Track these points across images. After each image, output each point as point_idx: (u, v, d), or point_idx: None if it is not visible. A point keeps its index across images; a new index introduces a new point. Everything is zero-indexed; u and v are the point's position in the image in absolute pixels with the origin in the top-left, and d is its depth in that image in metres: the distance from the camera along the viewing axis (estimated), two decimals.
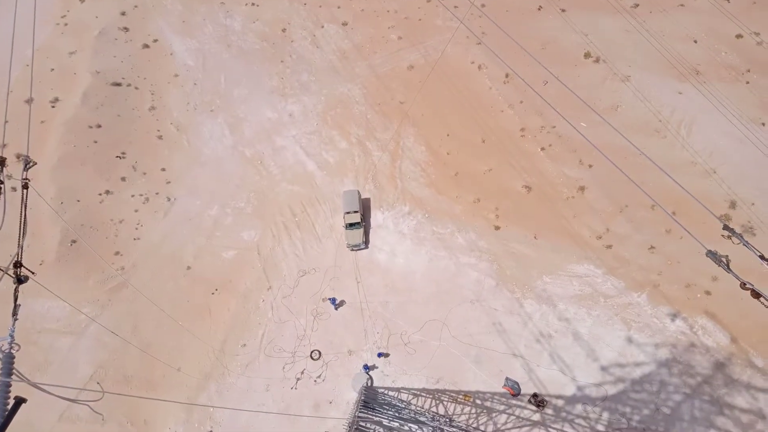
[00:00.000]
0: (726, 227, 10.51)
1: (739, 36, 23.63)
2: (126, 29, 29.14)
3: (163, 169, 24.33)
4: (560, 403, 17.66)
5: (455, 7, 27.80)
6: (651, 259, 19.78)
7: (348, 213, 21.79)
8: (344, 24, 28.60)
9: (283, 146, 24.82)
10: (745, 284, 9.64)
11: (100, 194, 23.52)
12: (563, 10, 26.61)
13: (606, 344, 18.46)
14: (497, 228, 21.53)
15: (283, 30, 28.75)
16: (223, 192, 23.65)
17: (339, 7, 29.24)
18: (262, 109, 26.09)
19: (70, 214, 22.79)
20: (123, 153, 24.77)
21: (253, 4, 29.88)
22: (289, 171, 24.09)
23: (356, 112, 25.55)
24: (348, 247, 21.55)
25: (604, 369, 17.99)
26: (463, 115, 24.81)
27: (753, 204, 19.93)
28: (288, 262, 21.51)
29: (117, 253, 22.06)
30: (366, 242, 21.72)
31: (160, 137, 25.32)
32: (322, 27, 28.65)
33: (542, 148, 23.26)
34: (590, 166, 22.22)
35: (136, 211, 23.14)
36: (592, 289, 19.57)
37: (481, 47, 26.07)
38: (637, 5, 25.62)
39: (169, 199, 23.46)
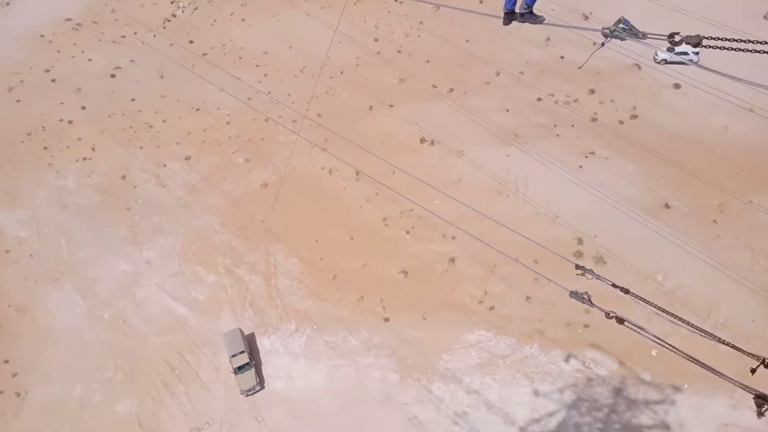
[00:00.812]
0: (577, 266, 11.37)
1: (539, 99, 27.17)
2: None
3: (7, 362, 21.18)
4: None
5: (293, 121, 28.97)
6: (530, 309, 20.88)
7: (234, 356, 20.10)
8: (187, 158, 28.33)
9: (146, 297, 23.04)
10: (609, 314, 10.35)
11: None
12: (391, 106, 28.93)
13: (517, 404, 18.65)
14: (386, 320, 21.49)
15: (123, 177, 27.67)
16: (85, 366, 21.02)
17: (178, 143, 29.03)
18: (115, 263, 24.28)
19: None
20: None
21: (84, 158, 28.58)
22: (158, 322, 22.25)
23: (218, 242, 24.79)
24: (242, 393, 19.68)
25: (522, 430, 18.04)
26: (326, 218, 25.20)
27: (596, 236, 22.21)
28: (177, 424, 19.27)
29: None
30: (260, 382, 20.09)
31: None
32: (165, 166, 28.08)
33: (407, 232, 24.22)
34: (453, 237, 23.41)
35: None
36: (489, 354, 19.98)
37: (327, 152, 27.22)
38: (452, 90, 28.65)
39: (18, 395, 20.25)
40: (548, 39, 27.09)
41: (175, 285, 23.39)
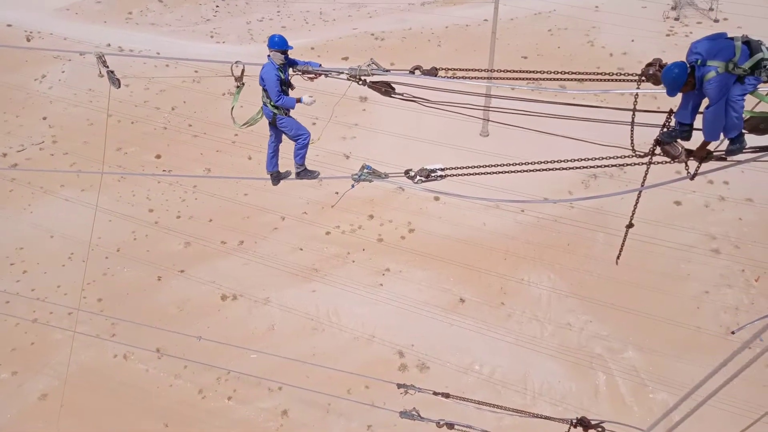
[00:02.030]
0: (399, 385, 11.64)
1: (327, 233, 28.82)
2: None
3: None
4: None
5: (69, 314, 25.52)
6: None
7: None
8: None
9: None
10: (438, 423, 10.65)
11: None
12: (182, 271, 27.66)
13: None
14: None
15: None
16: None
17: None
18: None
19: None
20: None
21: None
22: None
23: None
24: None
25: None
26: (131, 412, 21.90)
27: (413, 345, 23.29)
28: None
29: None
30: None
31: None
32: None
33: (229, 398, 22.30)
34: (280, 388, 22.24)
35: None
36: None
37: (118, 337, 24.35)
38: (242, 242, 28.78)
39: None
40: (320, 180, 29.49)
41: None
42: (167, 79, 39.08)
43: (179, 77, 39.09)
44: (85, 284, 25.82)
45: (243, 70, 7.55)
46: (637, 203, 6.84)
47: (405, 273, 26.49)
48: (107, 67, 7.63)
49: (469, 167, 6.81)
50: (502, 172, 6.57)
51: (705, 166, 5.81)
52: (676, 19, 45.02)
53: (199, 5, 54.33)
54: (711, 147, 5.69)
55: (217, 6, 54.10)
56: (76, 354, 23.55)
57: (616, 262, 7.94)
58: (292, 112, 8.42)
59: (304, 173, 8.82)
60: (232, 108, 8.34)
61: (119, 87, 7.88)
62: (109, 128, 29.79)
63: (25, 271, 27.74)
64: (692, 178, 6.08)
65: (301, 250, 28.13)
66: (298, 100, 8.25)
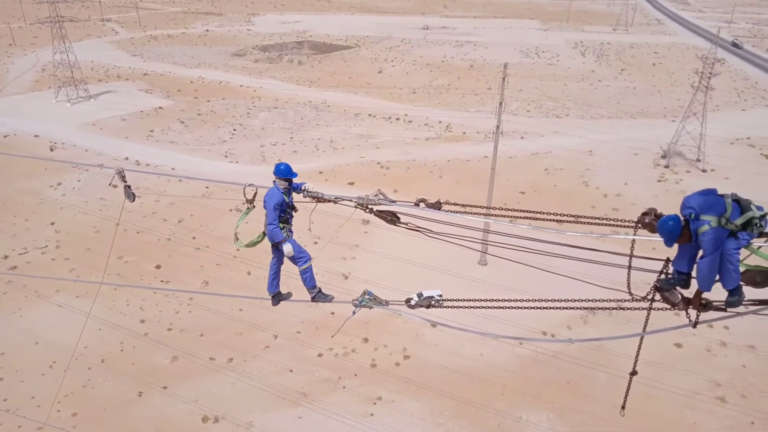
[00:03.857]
0: None
1: (320, 354, 27.97)
2: None
3: None
4: None
5: (38, 429, 23.97)
6: None
7: None
8: None
9: None
10: None
11: None
12: (165, 387, 26.44)
13: None
14: None
15: None
16: None
17: None
18: None
19: None
20: None
21: None
22: None
23: None
24: None
25: None
26: None
27: None
28: None
29: None
30: None
31: None
32: None
33: None
34: None
35: None
36: None
37: None
38: (231, 359, 27.85)
39: None
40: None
41: None
42: (178, 193, 40.45)
43: (189, 193, 40.49)
44: (63, 396, 24.52)
45: (255, 193, 7.83)
46: (639, 349, 6.74)
47: (398, 403, 25.22)
48: (125, 182, 7.94)
49: (468, 300, 6.84)
50: (501, 308, 6.59)
51: (706, 315, 5.83)
52: (666, 166, 47.64)
53: (218, 128, 57.92)
54: (711, 297, 5.77)
55: (235, 129, 57.62)
56: None
57: (621, 413, 7.62)
58: (294, 235, 8.57)
59: (318, 296, 8.69)
60: (237, 226, 8.44)
61: (133, 201, 8.10)
62: (115, 237, 30.18)
63: (1, 379, 26.49)
64: (694, 326, 6.08)
65: (291, 371, 27.07)
66: (284, 242, 8.19)
